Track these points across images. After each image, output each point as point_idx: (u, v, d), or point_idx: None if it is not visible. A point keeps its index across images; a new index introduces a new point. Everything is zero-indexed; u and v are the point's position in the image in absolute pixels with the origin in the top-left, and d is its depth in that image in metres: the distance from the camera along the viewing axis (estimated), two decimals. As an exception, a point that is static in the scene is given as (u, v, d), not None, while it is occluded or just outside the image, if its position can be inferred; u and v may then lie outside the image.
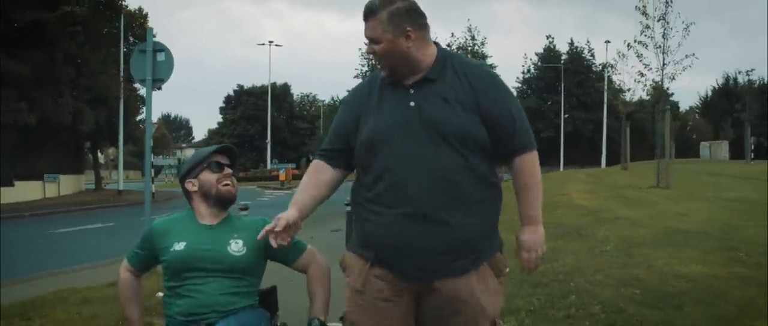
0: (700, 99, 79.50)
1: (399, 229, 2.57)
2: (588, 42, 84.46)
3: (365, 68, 78.74)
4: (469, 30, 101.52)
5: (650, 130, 58.71)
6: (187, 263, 2.95)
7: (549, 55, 74.74)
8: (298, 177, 51.65)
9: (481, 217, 2.63)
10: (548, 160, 62.21)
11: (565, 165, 55.17)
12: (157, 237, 3.07)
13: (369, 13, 2.63)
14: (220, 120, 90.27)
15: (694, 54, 20.33)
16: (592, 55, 75.21)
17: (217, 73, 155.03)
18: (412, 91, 2.64)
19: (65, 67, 27.28)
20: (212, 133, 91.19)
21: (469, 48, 79.08)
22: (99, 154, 40.71)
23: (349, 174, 2.85)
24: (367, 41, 2.65)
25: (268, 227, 2.60)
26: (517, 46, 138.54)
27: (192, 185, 3.11)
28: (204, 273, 2.93)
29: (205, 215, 3.08)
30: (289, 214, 2.64)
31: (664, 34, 19.92)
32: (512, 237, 2.72)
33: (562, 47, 77.73)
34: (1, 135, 24.36)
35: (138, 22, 35.89)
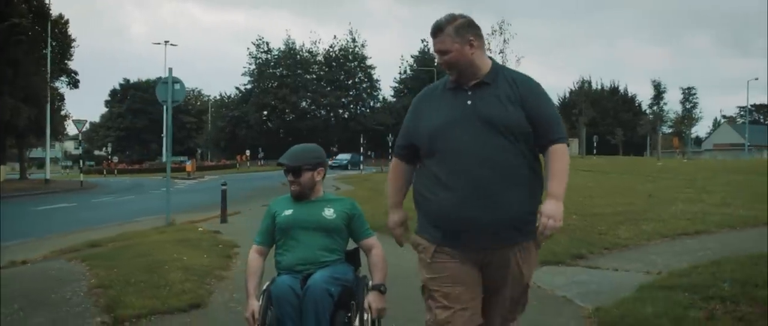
0: (559, 99, 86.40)
1: (460, 207, 3.04)
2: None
3: (253, 66, 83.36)
4: (350, 32, 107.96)
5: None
6: (293, 223, 3.88)
7: (424, 57, 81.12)
8: (200, 168, 56.07)
9: (529, 194, 3.10)
10: (422, 154, 68.20)
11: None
12: (274, 208, 4.03)
13: (437, 30, 3.15)
14: (104, 112, 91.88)
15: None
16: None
17: (88, 65, 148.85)
18: (469, 93, 3.14)
19: (5, 68, 31.24)
20: (96, 126, 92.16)
21: (351, 49, 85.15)
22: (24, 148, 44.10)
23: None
24: (436, 55, 3.18)
25: (396, 237, 3.45)
26: (393, 45, 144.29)
27: None
28: (305, 231, 3.85)
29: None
30: (399, 217, 3.42)
31: (502, 63, 27.14)
32: None
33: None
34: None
35: (59, 27, 39.85)
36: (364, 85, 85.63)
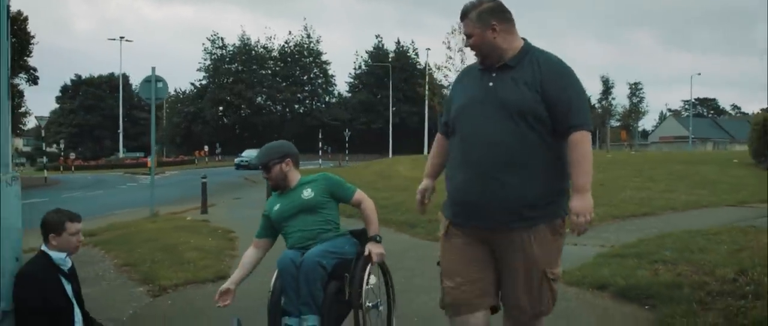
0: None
1: (468, 188, 3.15)
2: (412, 42, 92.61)
3: (208, 62, 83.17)
4: (305, 28, 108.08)
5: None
6: (282, 214, 4.33)
7: (378, 53, 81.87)
8: (160, 164, 56.07)
9: (540, 181, 3.11)
10: (378, 149, 68.79)
11: (393, 153, 59.06)
12: (267, 207, 4.47)
13: (463, 15, 3.27)
14: (54, 108, 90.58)
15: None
16: (417, 54, 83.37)
17: (36, 60, 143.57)
18: (493, 75, 3.21)
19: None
20: (47, 123, 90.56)
21: (306, 45, 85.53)
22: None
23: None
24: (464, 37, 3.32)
25: (418, 201, 3.67)
26: (347, 40, 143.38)
27: None
28: (294, 218, 4.28)
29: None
30: (426, 184, 3.61)
31: (462, 61, 28.26)
32: None
33: (390, 46, 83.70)
34: None
35: (18, 24, 39.64)
36: (320, 81, 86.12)
